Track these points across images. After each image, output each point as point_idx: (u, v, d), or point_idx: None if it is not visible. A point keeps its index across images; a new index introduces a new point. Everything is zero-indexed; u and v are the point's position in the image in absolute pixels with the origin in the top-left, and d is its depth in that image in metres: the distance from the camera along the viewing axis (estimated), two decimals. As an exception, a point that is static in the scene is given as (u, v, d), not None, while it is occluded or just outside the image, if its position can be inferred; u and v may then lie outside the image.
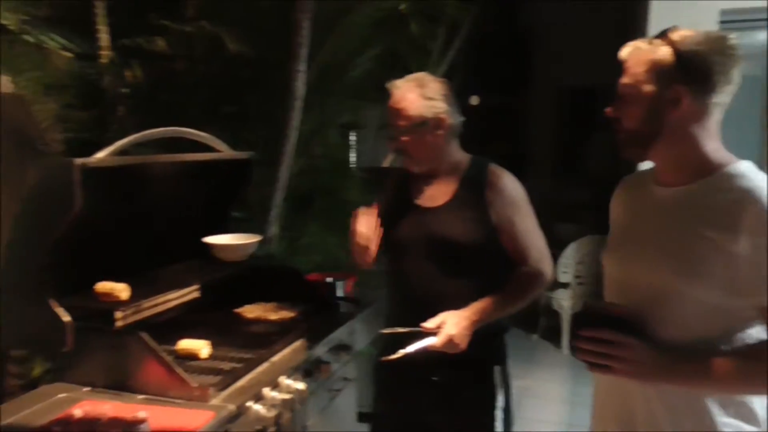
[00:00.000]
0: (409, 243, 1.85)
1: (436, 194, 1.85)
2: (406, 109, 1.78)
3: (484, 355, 1.82)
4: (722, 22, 3.34)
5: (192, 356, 1.73)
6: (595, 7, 5.70)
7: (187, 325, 1.89)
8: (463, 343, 1.68)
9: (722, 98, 1.22)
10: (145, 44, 2.46)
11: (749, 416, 1.23)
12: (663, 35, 1.23)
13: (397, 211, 1.84)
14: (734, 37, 1.22)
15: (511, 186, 1.84)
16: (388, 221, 1.84)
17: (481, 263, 1.81)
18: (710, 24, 3.23)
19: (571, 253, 4.86)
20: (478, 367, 1.84)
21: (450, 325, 1.67)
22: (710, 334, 1.21)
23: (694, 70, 1.19)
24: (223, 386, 1.55)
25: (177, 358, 1.68)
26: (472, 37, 4.28)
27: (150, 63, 2.50)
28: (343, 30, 2.87)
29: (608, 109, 1.29)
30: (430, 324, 1.69)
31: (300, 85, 2.65)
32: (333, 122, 3.37)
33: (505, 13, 6.21)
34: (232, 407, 1.46)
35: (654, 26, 3.22)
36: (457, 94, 1.86)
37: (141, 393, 1.53)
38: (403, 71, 1.90)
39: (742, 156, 1.27)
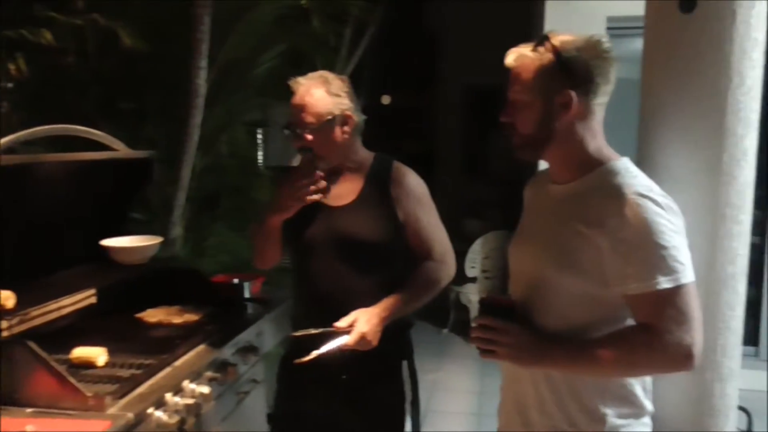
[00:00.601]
0: (316, 242, 1.84)
1: (342, 192, 1.85)
2: (313, 106, 1.76)
3: (391, 351, 1.84)
4: (608, 28, 3.58)
5: (88, 364, 1.65)
6: (496, 8, 5.92)
7: (84, 332, 1.80)
8: (375, 340, 1.69)
9: (603, 98, 1.29)
10: (30, 36, 2.32)
11: (631, 399, 1.31)
12: (543, 41, 1.28)
13: (304, 210, 1.83)
14: (607, 40, 1.29)
15: (414, 182, 1.87)
16: (294, 220, 1.83)
17: (388, 259, 1.83)
18: (598, 28, 3.45)
19: (477, 249, 5.01)
20: (385, 363, 1.85)
21: (362, 323, 1.68)
22: (586, 321, 1.29)
23: (578, 74, 1.26)
24: (121, 394, 1.49)
25: (71, 368, 1.59)
26: (380, 36, 4.32)
27: (37, 57, 2.36)
28: (245, 27, 2.83)
29: (501, 117, 1.34)
30: (342, 323, 1.69)
31: (201, 82, 2.58)
32: (238, 120, 3.32)
33: (410, 13, 6.32)
34: (130, 415, 1.41)
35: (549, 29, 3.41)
36: (366, 93, 1.87)
37: (30, 406, 1.43)
38: (309, 69, 1.88)
39: (626, 153, 1.36)
